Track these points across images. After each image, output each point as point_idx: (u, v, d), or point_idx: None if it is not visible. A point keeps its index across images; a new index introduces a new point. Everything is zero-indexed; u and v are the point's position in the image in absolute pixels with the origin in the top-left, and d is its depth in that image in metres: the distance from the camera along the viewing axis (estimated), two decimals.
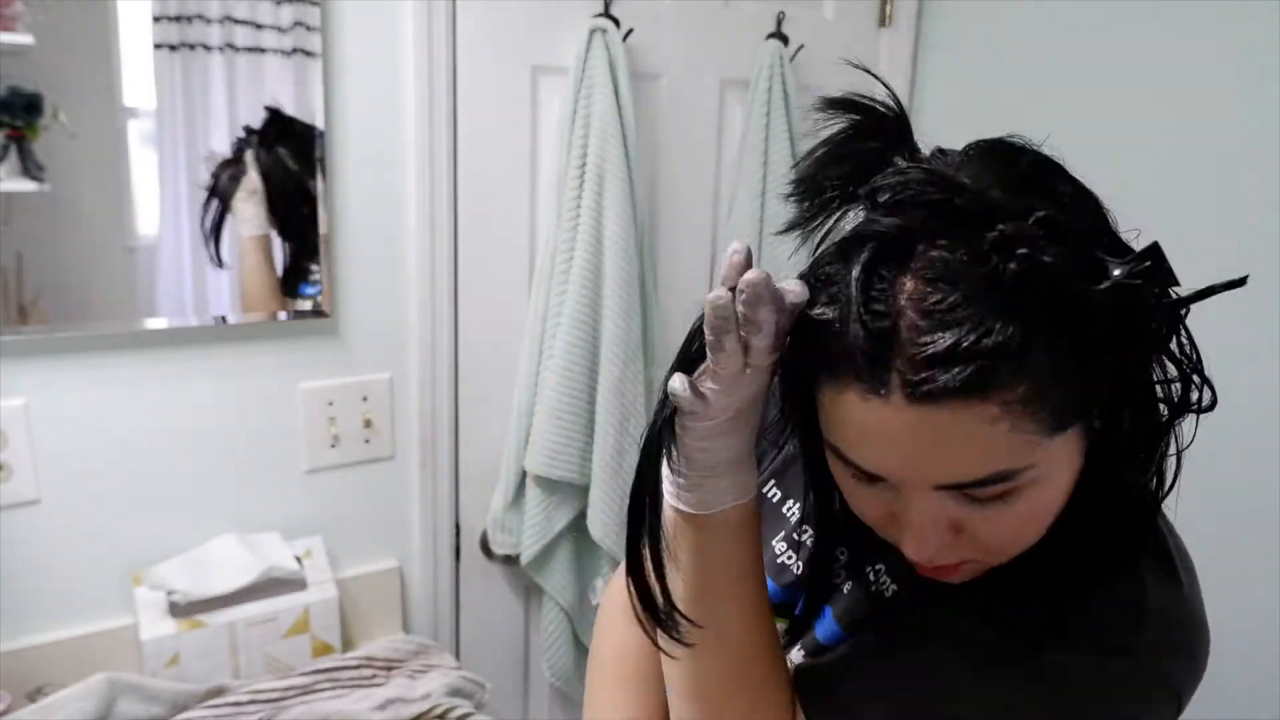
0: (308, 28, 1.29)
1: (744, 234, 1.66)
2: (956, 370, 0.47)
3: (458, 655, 1.63)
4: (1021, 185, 0.52)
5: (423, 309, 1.47)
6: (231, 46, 1.25)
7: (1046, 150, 0.56)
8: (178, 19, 1.20)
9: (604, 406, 1.53)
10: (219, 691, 1.24)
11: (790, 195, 0.58)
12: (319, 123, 1.33)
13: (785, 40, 1.67)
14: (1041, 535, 0.57)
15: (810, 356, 0.54)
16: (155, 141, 1.23)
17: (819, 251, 0.56)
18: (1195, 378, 0.55)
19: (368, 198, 1.40)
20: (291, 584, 1.34)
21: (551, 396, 1.50)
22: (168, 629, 1.25)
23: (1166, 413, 0.56)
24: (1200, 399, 0.55)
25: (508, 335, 1.56)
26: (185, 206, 1.26)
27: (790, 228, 0.58)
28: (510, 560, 1.61)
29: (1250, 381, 1.40)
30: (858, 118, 0.56)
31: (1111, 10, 1.50)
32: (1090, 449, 0.55)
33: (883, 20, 1.85)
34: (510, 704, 1.72)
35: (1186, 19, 1.48)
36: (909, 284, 0.49)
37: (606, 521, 1.54)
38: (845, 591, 0.71)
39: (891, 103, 0.56)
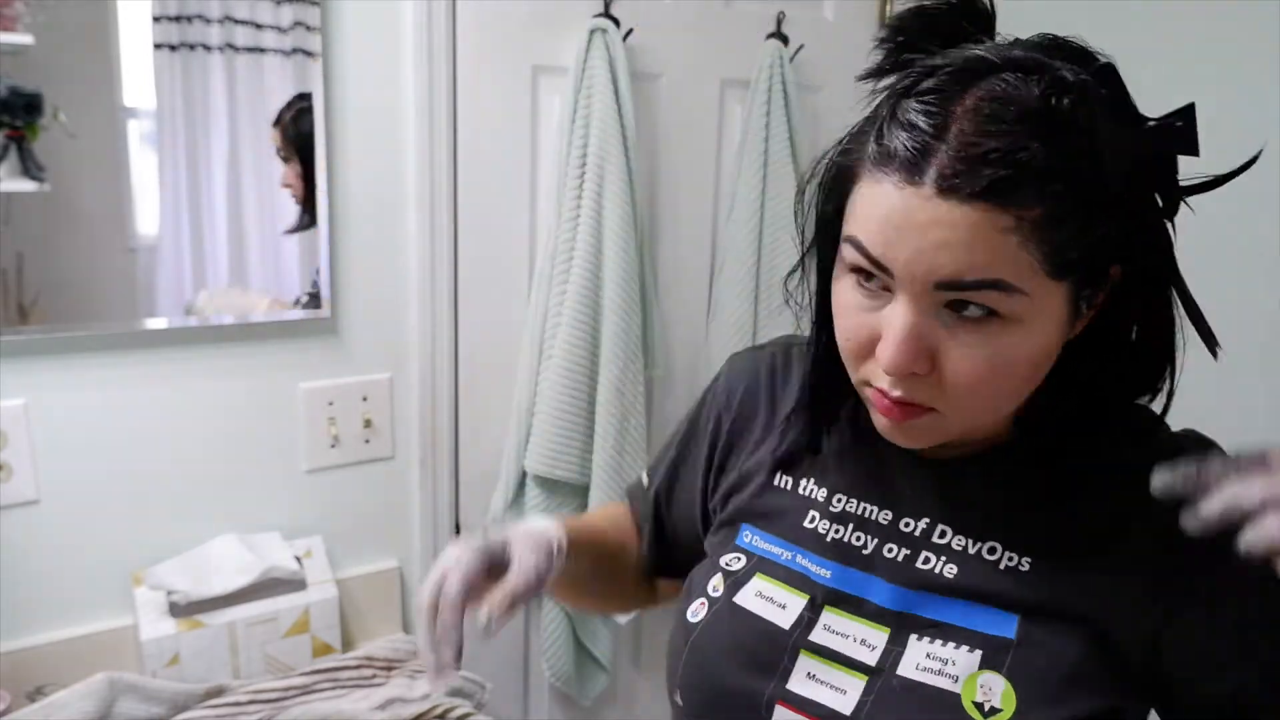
0: (308, 28, 1.29)
1: (744, 234, 1.66)
2: (987, 173, 0.53)
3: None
4: (1073, 55, 0.59)
5: (423, 309, 1.47)
6: (231, 46, 1.25)
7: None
8: (178, 19, 1.20)
9: (604, 406, 1.53)
10: (219, 691, 1.24)
11: (880, 42, 0.63)
12: (319, 122, 1.33)
13: (785, 40, 1.67)
14: (1002, 404, 0.62)
15: (857, 163, 0.60)
16: (155, 141, 1.23)
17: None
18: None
19: (368, 198, 1.40)
20: (291, 584, 1.34)
21: (551, 396, 1.50)
22: (168, 629, 1.25)
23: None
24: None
25: (508, 335, 1.56)
26: (185, 206, 1.26)
27: (867, 75, 0.63)
28: None
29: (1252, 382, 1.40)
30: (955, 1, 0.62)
31: (1110, 9, 1.50)
32: (1089, 329, 0.62)
33: (883, 20, 1.85)
34: (510, 704, 1.72)
35: (1187, 18, 1.48)
36: (970, 99, 0.56)
37: None
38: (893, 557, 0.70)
39: (986, 2, 0.63)
